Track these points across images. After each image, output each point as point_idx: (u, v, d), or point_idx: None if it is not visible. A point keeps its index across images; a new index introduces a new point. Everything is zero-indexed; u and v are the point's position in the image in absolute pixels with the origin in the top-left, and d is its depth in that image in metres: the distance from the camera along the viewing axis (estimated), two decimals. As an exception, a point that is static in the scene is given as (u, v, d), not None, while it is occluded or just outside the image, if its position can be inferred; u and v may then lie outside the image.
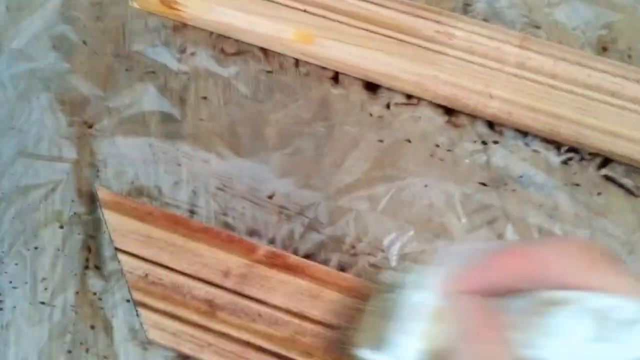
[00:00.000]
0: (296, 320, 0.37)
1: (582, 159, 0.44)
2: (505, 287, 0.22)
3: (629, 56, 0.48)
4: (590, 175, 0.44)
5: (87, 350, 0.37)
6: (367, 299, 0.32)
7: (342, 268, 0.40)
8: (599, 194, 0.43)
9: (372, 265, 0.40)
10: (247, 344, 0.37)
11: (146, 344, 0.38)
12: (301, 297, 0.38)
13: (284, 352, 0.37)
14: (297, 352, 0.37)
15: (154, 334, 0.37)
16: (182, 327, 0.37)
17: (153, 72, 0.46)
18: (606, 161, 0.44)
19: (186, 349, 0.37)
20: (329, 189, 0.42)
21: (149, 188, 0.42)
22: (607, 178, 0.44)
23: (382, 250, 0.41)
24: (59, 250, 0.40)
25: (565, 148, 0.45)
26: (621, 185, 0.44)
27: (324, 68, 0.47)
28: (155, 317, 0.38)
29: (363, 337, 0.31)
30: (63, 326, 0.38)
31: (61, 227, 0.41)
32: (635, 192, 0.43)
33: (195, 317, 0.37)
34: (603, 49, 0.48)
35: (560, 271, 0.21)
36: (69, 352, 0.37)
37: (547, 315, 0.21)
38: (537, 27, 0.49)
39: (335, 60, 0.46)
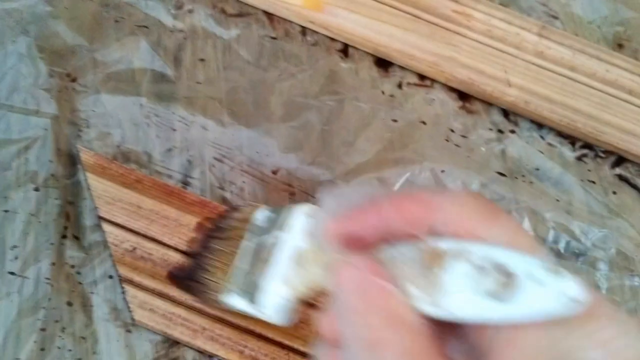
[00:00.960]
0: (300, 308, 0.34)
1: (596, 156, 0.43)
2: (396, 232, 0.21)
3: (644, 54, 0.47)
4: (605, 173, 0.42)
5: (62, 330, 0.33)
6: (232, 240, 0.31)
7: (349, 254, 0.37)
8: (614, 193, 0.41)
9: (381, 252, 0.37)
10: (246, 331, 0.33)
11: (130, 325, 0.33)
12: (307, 282, 0.34)
13: (286, 341, 0.33)
14: (300, 341, 0.33)
15: (140, 315, 0.33)
16: (173, 308, 0.33)
17: (145, 27, 0.42)
18: (620, 160, 0.43)
19: (177, 333, 0.33)
20: (338, 168, 0.39)
21: (138, 153, 0.38)
22: (621, 177, 0.42)
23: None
24: (32, 215, 0.35)
25: (580, 144, 0.43)
26: (634, 186, 0.42)
27: (333, 39, 0.43)
28: (142, 295, 0.33)
29: (229, 282, 0.29)
30: (35, 301, 0.33)
31: (36, 189, 0.36)
32: (650, 194, 0.42)
33: (188, 299, 0.33)
34: (618, 46, 0.47)
35: (459, 221, 0.21)
36: (42, 329, 0.33)
37: (442, 268, 0.20)
38: (554, 17, 0.47)
39: (345, 31, 0.43)
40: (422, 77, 0.43)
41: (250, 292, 0.28)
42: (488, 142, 0.41)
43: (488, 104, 0.43)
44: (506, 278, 0.19)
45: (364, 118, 0.40)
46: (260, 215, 0.30)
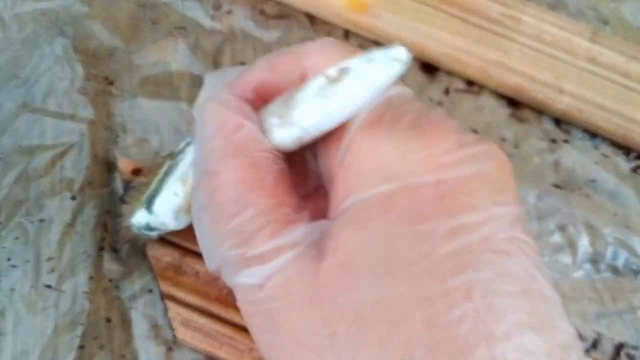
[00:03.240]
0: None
1: (651, 167, 0.41)
2: (275, 90, 0.23)
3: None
4: (660, 185, 0.40)
5: (101, 347, 0.31)
6: None
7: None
8: (672, 206, 0.39)
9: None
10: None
11: (172, 343, 0.32)
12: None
13: (337, 363, 0.31)
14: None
15: (183, 333, 0.31)
16: (218, 326, 0.31)
17: (183, 28, 0.40)
18: (675, 173, 0.41)
19: (222, 353, 0.31)
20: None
21: (178, 161, 0.36)
22: (677, 190, 0.40)
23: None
24: (69, 225, 0.34)
25: (635, 155, 0.41)
26: (690, 200, 0.40)
27: (377, 42, 0.41)
28: (185, 313, 0.32)
29: (137, 204, 0.29)
30: (73, 316, 0.31)
31: (73, 197, 0.34)
32: None
33: (234, 317, 0.32)
34: (667, 53, 0.45)
35: (322, 62, 0.22)
36: (81, 347, 0.31)
37: (299, 90, 0.22)
38: (604, 22, 0.45)
39: (390, 34, 0.41)
40: (470, 83, 0.41)
41: (149, 201, 0.28)
42: (540, 152, 0.40)
43: (539, 112, 0.41)
44: (340, 72, 0.21)
45: (413, 126, 0.38)
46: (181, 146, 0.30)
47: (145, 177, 0.30)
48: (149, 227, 0.29)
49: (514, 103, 0.41)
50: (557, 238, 0.37)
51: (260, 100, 0.23)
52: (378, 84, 0.21)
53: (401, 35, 0.41)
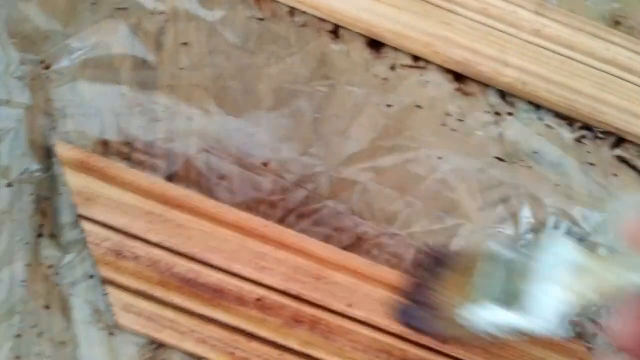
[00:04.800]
0: (295, 304, 0.32)
1: (595, 137, 0.41)
2: None
3: (640, 32, 0.45)
4: (604, 155, 0.41)
5: (39, 335, 0.31)
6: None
7: (344, 246, 0.35)
8: (614, 175, 0.40)
9: (377, 244, 0.36)
10: (237, 331, 0.32)
11: (113, 328, 0.32)
12: (301, 277, 0.33)
13: (280, 340, 0.32)
14: (295, 340, 0.32)
15: (124, 318, 0.31)
16: (159, 310, 0.32)
17: (124, 9, 0.39)
18: (620, 141, 0.41)
19: (163, 336, 0.31)
20: (331, 158, 0.37)
21: (119, 145, 0.36)
22: (620, 159, 0.41)
23: (389, 228, 0.36)
24: (5, 213, 0.33)
25: (578, 125, 0.41)
26: (634, 167, 0.41)
27: (322, 20, 0.41)
28: (126, 297, 0.32)
29: (471, 295, 0.24)
30: (10, 305, 0.31)
31: (9, 185, 0.34)
32: (651, 176, 0.41)
33: (175, 299, 0.32)
34: (615, 23, 0.45)
35: None
36: (18, 336, 0.31)
37: None
38: (550, -7, 0.45)
39: (336, 11, 0.41)
40: (416, 58, 0.41)
41: (508, 299, 0.23)
42: (485, 125, 0.40)
43: (484, 85, 0.41)
44: None
45: (357, 104, 0.38)
46: (494, 245, 0.26)
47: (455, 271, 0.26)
48: (496, 325, 0.24)
49: (460, 77, 0.41)
50: (500, 210, 0.37)
51: None
52: None
53: (346, 12, 0.41)
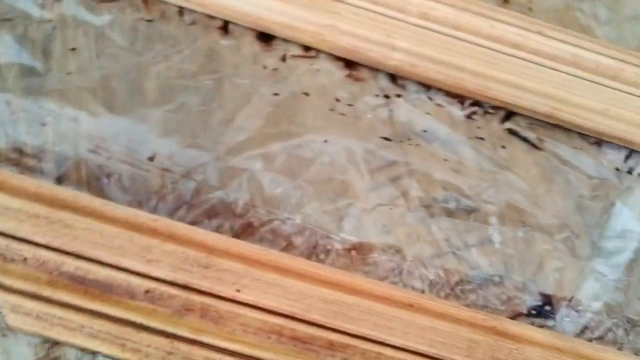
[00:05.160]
0: (184, 294, 0.33)
1: (485, 112, 0.43)
2: None
3: (530, 9, 0.47)
4: (494, 128, 0.42)
5: None
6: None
7: (236, 234, 0.36)
8: (503, 147, 0.41)
9: (270, 229, 0.37)
10: (127, 323, 0.32)
11: (5, 330, 0.32)
12: (189, 267, 0.34)
13: (170, 329, 0.33)
14: (186, 328, 0.33)
15: (14, 320, 0.32)
16: (48, 309, 0.32)
17: (9, 20, 0.40)
18: (509, 115, 0.43)
19: (54, 334, 0.32)
20: (218, 148, 0.38)
21: (7, 151, 0.36)
22: (511, 131, 0.42)
23: (280, 213, 0.37)
24: None
25: (469, 102, 0.43)
26: (524, 139, 0.42)
27: (211, 17, 0.42)
28: (15, 299, 0.32)
29: None
30: None
31: None
32: (538, 145, 0.42)
33: (64, 297, 0.32)
34: (505, 1, 0.47)
35: None
36: None
37: None
38: (438, -23, 0.46)
39: (224, 7, 0.42)
40: (306, 48, 0.42)
41: None
42: (375, 108, 0.41)
43: (375, 70, 0.43)
44: None
45: (244, 94, 0.39)
46: None
47: None
48: None
49: (350, 64, 0.42)
50: (390, 189, 0.38)
51: None
52: None
53: (234, 7, 0.42)
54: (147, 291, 0.33)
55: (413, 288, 0.37)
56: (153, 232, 0.34)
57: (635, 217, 0.41)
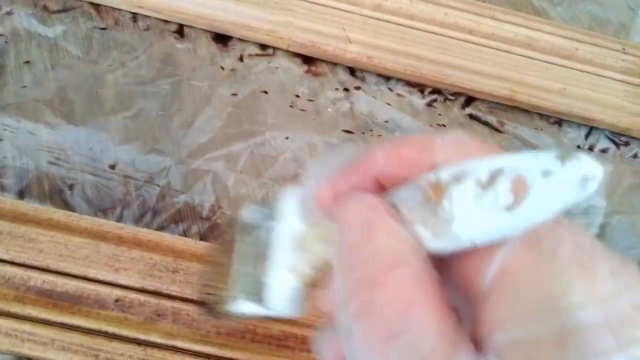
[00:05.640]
0: (154, 300, 0.33)
1: (446, 99, 0.43)
2: (394, 180, 0.20)
3: (483, -6, 0.47)
4: (455, 115, 0.43)
5: None
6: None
7: (204, 237, 0.36)
8: (464, 132, 0.42)
9: (237, 230, 0.36)
10: (99, 333, 0.32)
11: (-25, 351, 0.32)
12: (158, 273, 0.34)
13: (143, 336, 0.32)
14: (158, 334, 0.32)
15: (-18, 339, 0.31)
16: (18, 325, 0.32)
17: (-39, 37, 0.39)
18: (469, 100, 0.43)
19: (25, 350, 0.31)
20: (180, 151, 0.37)
21: (-34, 170, 0.36)
22: (472, 117, 0.43)
23: (247, 213, 0.37)
24: None
25: (429, 90, 0.43)
26: (485, 123, 0.43)
27: (166, 21, 0.42)
28: (-18, 318, 0.32)
29: (232, 290, 0.26)
30: None
31: None
32: (499, 128, 0.43)
33: (33, 312, 0.32)
34: (457, -11, 0.47)
35: (458, 156, 0.19)
36: None
37: (447, 197, 0.19)
38: (391, -32, 0.47)
39: (178, 11, 0.42)
40: (264, 46, 0.42)
41: (256, 292, 0.25)
42: (335, 102, 0.41)
43: (333, 64, 0.43)
44: (493, 175, 0.18)
45: (203, 97, 0.39)
46: (247, 212, 0.27)
47: (216, 257, 0.27)
48: (256, 315, 0.26)
49: (309, 59, 0.43)
50: (354, 180, 0.39)
51: (376, 190, 0.21)
52: (561, 206, 0.17)
53: (188, 10, 0.41)
54: (117, 300, 0.33)
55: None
56: (119, 240, 0.34)
57: (599, 193, 0.42)
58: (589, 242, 0.19)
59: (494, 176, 0.18)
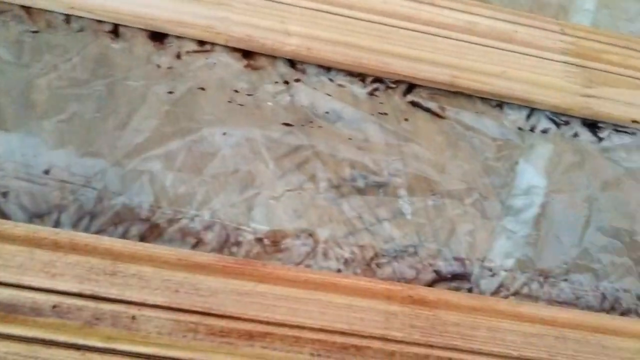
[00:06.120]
0: (92, 304, 0.33)
1: (387, 88, 0.43)
2: None
3: (423, -19, 0.47)
4: (397, 103, 0.43)
5: None
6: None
7: (143, 238, 0.36)
8: (406, 120, 0.42)
9: (179, 229, 0.36)
10: (35, 341, 0.32)
11: None
12: (95, 277, 0.33)
13: (81, 341, 0.32)
14: (97, 338, 0.32)
15: None
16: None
17: None
18: (411, 87, 0.44)
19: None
20: (115, 153, 0.37)
21: None
22: (413, 104, 0.43)
23: (187, 211, 0.37)
24: None
25: (371, 79, 0.43)
26: (427, 109, 0.43)
27: (101, 22, 0.41)
28: None
29: None
30: None
31: None
32: (441, 114, 0.43)
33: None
34: (397, -24, 0.47)
35: None
36: None
37: None
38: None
39: (111, 10, 0.41)
40: (201, 43, 0.42)
41: None
42: (275, 95, 0.41)
43: (273, 57, 0.42)
44: None
45: (138, 96, 0.39)
46: None
47: None
48: None
49: (248, 54, 0.42)
50: (297, 174, 0.39)
51: None
52: None
53: (123, 10, 0.41)
54: (54, 306, 0.32)
55: (329, 269, 0.37)
56: (55, 246, 0.33)
57: (539, 172, 0.42)
58: None
59: None
